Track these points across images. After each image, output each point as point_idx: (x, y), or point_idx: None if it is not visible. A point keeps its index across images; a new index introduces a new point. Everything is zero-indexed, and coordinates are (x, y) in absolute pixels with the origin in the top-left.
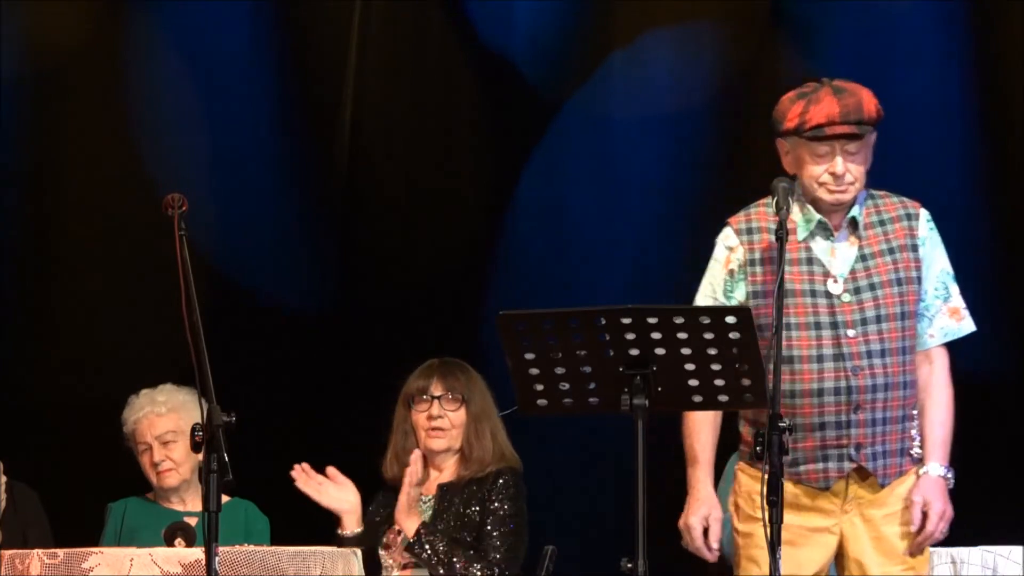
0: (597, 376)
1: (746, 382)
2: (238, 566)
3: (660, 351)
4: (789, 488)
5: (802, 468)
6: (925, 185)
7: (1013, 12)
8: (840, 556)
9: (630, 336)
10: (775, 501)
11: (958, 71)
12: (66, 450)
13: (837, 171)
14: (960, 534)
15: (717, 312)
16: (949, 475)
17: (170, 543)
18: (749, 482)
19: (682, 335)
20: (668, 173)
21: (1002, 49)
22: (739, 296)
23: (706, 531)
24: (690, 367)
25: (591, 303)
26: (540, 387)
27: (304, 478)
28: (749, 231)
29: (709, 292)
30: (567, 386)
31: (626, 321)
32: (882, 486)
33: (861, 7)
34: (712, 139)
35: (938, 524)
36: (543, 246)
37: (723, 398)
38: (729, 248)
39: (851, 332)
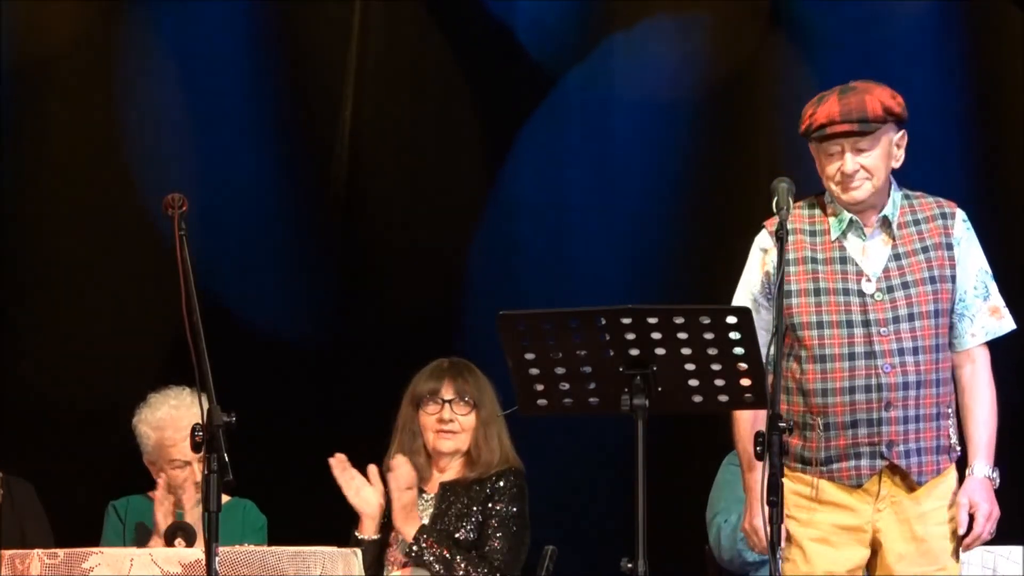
0: (597, 376)
1: (746, 382)
2: (238, 566)
3: (660, 351)
4: (823, 486)
5: (835, 466)
6: (924, 185)
7: (1012, 12)
8: (873, 556)
9: (630, 336)
10: (775, 501)
11: (958, 71)
12: (66, 450)
13: (846, 170)
14: None
15: (717, 312)
16: (995, 475)
17: (170, 543)
18: (786, 482)
19: (682, 335)
20: (663, 164)
21: (1001, 49)
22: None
23: None
24: (690, 367)
25: (583, 296)
26: (540, 387)
27: (340, 467)
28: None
29: (747, 296)
30: (567, 386)
31: (626, 321)
32: (919, 484)
33: (861, 7)
34: (710, 133)
35: (985, 525)
36: (538, 238)
37: (723, 398)
38: (763, 250)
39: (883, 330)
